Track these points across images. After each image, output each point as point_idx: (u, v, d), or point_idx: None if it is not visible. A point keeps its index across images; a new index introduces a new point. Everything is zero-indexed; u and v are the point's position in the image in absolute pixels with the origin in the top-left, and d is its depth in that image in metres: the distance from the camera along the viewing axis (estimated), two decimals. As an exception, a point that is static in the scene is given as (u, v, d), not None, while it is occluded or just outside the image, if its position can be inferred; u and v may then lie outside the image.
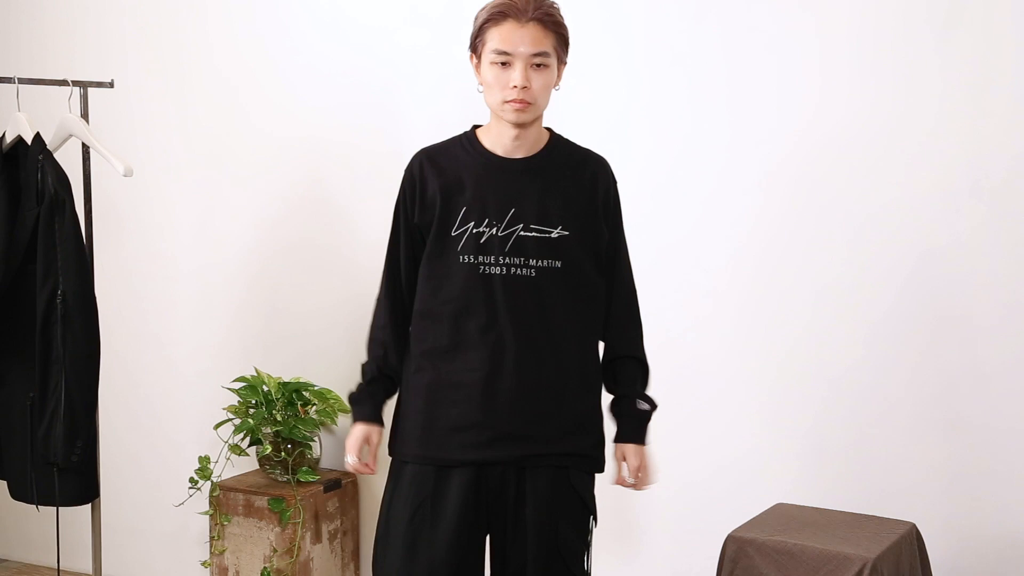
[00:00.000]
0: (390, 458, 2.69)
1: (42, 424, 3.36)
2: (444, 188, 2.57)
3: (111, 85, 3.63)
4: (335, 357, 4.04)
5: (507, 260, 2.53)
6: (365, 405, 2.67)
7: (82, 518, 3.79)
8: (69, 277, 3.34)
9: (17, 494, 3.51)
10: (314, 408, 3.90)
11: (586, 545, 2.61)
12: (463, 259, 2.54)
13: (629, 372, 2.70)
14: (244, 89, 4.14)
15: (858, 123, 3.27)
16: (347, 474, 4.01)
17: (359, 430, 2.66)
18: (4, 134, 3.44)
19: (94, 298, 3.46)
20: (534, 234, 2.53)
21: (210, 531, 3.93)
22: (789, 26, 3.35)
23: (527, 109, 2.49)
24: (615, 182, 2.65)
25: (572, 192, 2.58)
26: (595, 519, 2.65)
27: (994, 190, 3.13)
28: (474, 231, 2.54)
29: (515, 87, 2.47)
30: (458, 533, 2.52)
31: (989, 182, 3.14)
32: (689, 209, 3.50)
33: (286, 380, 3.96)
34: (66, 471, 3.37)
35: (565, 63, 2.57)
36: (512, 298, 2.52)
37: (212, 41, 4.19)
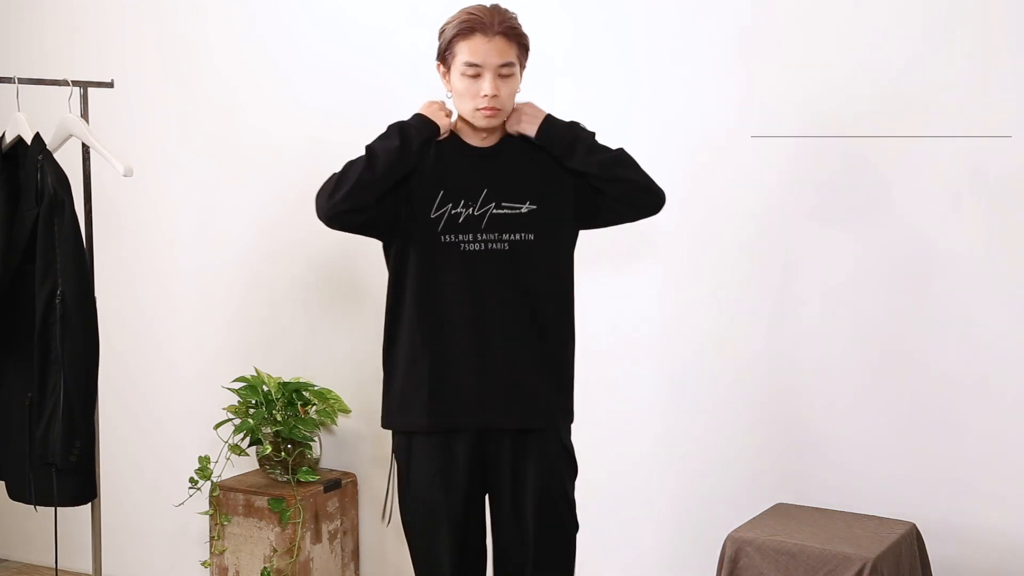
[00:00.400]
0: (389, 431, 2.87)
1: (40, 424, 3.36)
2: (419, 172, 2.79)
3: (111, 85, 3.62)
4: (335, 357, 4.04)
5: (489, 236, 2.76)
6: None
7: (82, 518, 3.79)
8: (68, 277, 3.34)
9: (15, 494, 3.50)
10: (314, 408, 3.91)
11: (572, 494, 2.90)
12: (445, 239, 2.75)
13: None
14: (244, 89, 4.14)
15: (858, 123, 3.26)
16: (347, 474, 4.01)
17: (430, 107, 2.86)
18: (4, 134, 3.44)
19: (93, 298, 3.45)
20: (505, 211, 2.76)
21: (210, 531, 3.93)
22: (789, 26, 3.34)
23: (497, 115, 2.74)
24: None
25: (539, 169, 2.81)
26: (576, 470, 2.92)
27: (994, 190, 3.13)
28: (452, 212, 2.76)
29: (486, 96, 2.70)
30: (468, 496, 2.80)
31: (989, 182, 3.13)
32: (690, 211, 3.49)
33: (286, 380, 3.96)
34: (64, 471, 3.37)
35: (524, 67, 2.80)
36: (509, 271, 2.76)
37: (212, 41, 4.19)
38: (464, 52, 2.70)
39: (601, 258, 3.59)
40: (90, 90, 3.56)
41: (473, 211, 2.75)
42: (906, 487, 3.26)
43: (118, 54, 4.30)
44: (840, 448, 3.34)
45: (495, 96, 2.69)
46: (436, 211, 2.76)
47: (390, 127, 2.82)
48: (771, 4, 3.36)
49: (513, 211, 2.76)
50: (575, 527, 2.89)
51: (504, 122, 2.80)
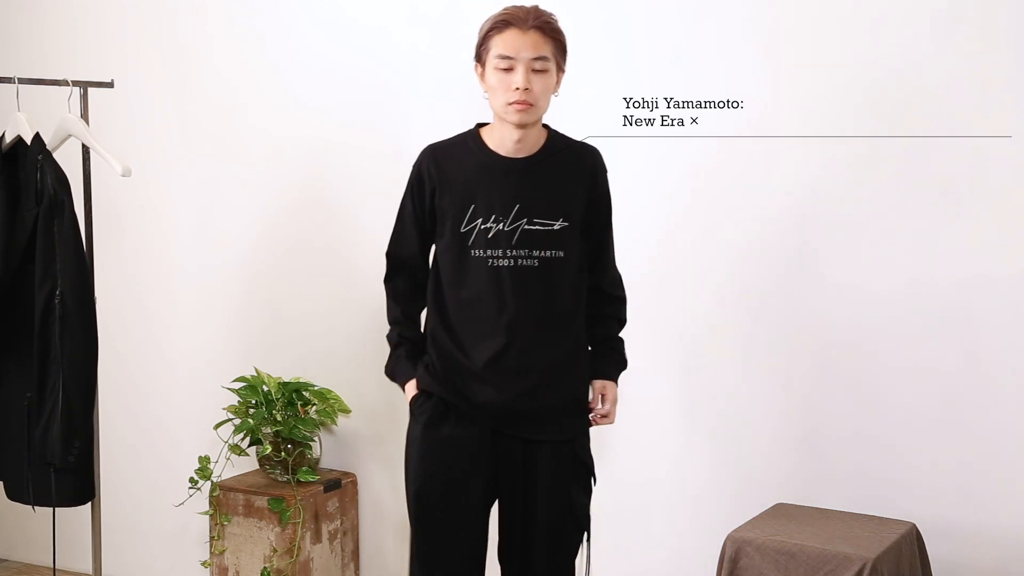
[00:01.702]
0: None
1: (39, 424, 3.36)
2: (450, 186, 2.81)
3: (111, 85, 3.63)
4: (335, 357, 4.04)
5: (519, 252, 2.76)
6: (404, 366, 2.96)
7: (82, 518, 3.79)
8: (67, 277, 3.34)
9: (13, 494, 3.50)
10: (314, 408, 3.90)
11: (589, 500, 2.92)
12: (474, 253, 2.77)
13: (612, 328, 2.98)
14: (244, 89, 4.14)
15: (858, 123, 3.26)
16: (347, 474, 4.01)
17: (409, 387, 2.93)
18: (4, 134, 3.44)
19: (93, 298, 3.45)
20: (537, 227, 2.76)
21: (210, 531, 3.93)
22: (789, 25, 3.34)
23: (529, 110, 2.71)
24: (605, 170, 2.90)
25: (571, 185, 2.83)
26: (595, 477, 2.93)
27: (994, 190, 3.13)
28: (482, 227, 2.76)
29: (517, 88, 2.68)
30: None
31: (989, 182, 3.13)
32: (691, 211, 3.49)
33: (286, 380, 3.96)
34: (63, 471, 3.37)
35: (563, 71, 2.79)
36: (534, 288, 2.78)
37: (212, 41, 4.19)
38: (498, 46, 2.70)
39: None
40: (90, 90, 3.56)
41: (504, 226, 2.76)
42: (906, 487, 3.26)
43: (118, 54, 4.30)
44: (840, 448, 3.34)
45: (527, 89, 2.68)
46: (467, 225, 2.78)
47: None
48: (770, 4, 3.36)
49: (545, 227, 2.77)
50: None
51: (540, 129, 2.81)
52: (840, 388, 3.33)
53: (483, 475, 2.83)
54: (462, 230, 2.78)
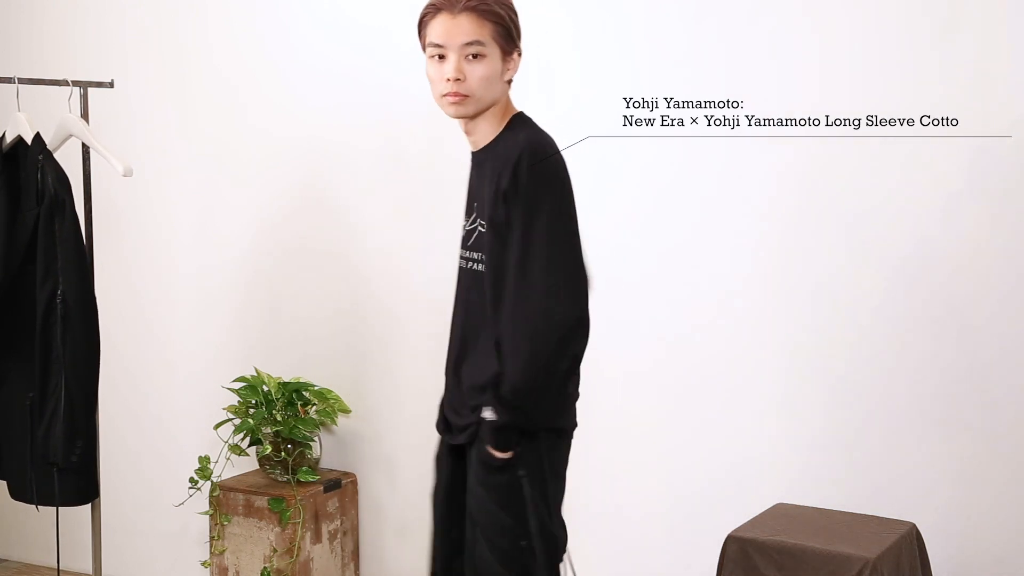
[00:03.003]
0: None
1: (42, 424, 3.36)
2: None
3: (111, 85, 3.63)
4: (335, 357, 4.04)
5: (474, 255, 2.55)
6: None
7: (82, 518, 3.79)
8: (69, 277, 3.34)
9: (17, 494, 3.51)
10: (314, 408, 3.91)
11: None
12: (460, 252, 2.62)
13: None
14: (244, 89, 4.14)
15: (859, 121, 3.26)
16: (347, 474, 4.01)
17: None
18: (4, 134, 3.44)
19: (94, 298, 3.45)
20: (480, 228, 2.52)
21: (210, 531, 3.93)
22: (790, 25, 3.34)
23: (464, 102, 2.46)
24: (528, 165, 2.42)
25: (493, 183, 2.49)
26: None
27: (994, 190, 3.13)
28: (464, 225, 2.60)
29: (448, 80, 2.44)
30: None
31: (989, 182, 3.13)
32: (691, 211, 3.49)
33: (286, 380, 3.96)
34: (66, 471, 3.37)
35: (515, 51, 2.51)
36: (466, 292, 2.57)
37: (212, 41, 4.19)
38: (430, 33, 2.47)
39: (601, 257, 3.60)
40: (90, 90, 3.56)
41: (467, 224, 2.58)
42: (906, 487, 3.26)
43: (118, 54, 4.30)
44: (840, 448, 3.34)
45: (459, 80, 2.43)
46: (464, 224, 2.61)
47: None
48: (769, 4, 3.36)
49: (481, 228, 2.52)
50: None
51: (495, 120, 2.51)
52: (840, 388, 3.33)
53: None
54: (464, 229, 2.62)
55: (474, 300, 2.54)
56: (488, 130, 2.54)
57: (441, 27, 2.45)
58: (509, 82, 2.54)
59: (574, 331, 2.43)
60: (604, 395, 3.61)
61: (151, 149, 4.26)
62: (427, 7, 2.49)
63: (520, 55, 2.54)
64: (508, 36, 2.48)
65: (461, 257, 2.59)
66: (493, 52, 2.46)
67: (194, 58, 4.22)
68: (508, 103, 2.56)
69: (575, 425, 2.61)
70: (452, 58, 2.44)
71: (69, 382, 3.34)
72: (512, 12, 2.50)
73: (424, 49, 2.53)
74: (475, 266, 2.53)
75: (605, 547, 3.65)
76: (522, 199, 2.42)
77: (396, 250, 3.91)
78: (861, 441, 3.31)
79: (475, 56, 2.44)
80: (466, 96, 2.45)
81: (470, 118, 2.51)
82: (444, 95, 2.47)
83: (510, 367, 2.43)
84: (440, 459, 2.73)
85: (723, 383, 3.48)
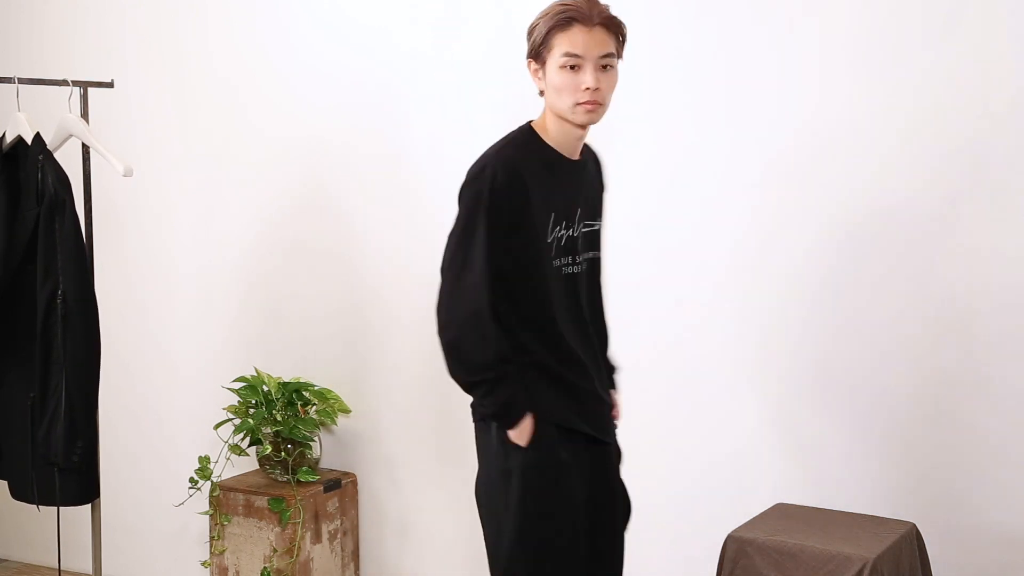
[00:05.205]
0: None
1: (43, 424, 3.36)
2: (536, 195, 2.59)
3: (111, 85, 3.63)
4: (335, 357, 4.05)
5: (581, 258, 2.70)
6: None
7: (82, 518, 3.79)
8: (69, 277, 3.34)
9: (18, 494, 3.51)
10: (314, 408, 3.91)
11: None
12: (554, 263, 2.64)
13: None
14: (244, 89, 4.14)
15: (858, 123, 3.26)
16: (347, 474, 4.01)
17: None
18: (4, 134, 3.44)
19: (94, 298, 3.45)
20: (586, 229, 2.72)
21: (210, 531, 3.93)
22: (789, 24, 3.34)
23: (597, 110, 2.60)
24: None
25: (598, 186, 2.82)
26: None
27: (994, 189, 3.13)
28: (559, 234, 2.64)
29: (587, 89, 2.55)
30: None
31: (989, 181, 3.13)
32: (688, 210, 3.49)
33: (286, 380, 3.96)
34: (67, 471, 3.37)
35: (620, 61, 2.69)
36: (583, 292, 2.74)
37: (212, 42, 4.19)
38: (563, 43, 2.55)
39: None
40: (90, 90, 3.56)
41: (573, 232, 2.68)
42: (906, 487, 3.26)
43: (118, 54, 4.31)
44: (840, 448, 3.34)
45: (597, 89, 2.55)
46: (551, 234, 2.62)
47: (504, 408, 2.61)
48: (768, 4, 3.36)
49: (590, 228, 2.74)
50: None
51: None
52: (840, 388, 3.34)
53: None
54: (548, 240, 2.62)
55: (582, 302, 2.72)
56: (585, 138, 2.70)
57: (578, 38, 2.55)
58: None
59: None
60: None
61: (151, 149, 4.26)
62: (559, 19, 2.56)
63: None
64: (623, 49, 2.65)
65: (562, 266, 2.65)
66: (617, 63, 2.62)
67: (194, 58, 4.22)
68: None
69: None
70: (589, 68, 2.55)
71: (69, 382, 3.34)
72: (625, 27, 2.66)
73: (540, 56, 2.59)
74: (582, 268, 2.70)
75: (605, 547, 3.65)
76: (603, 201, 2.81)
77: (396, 250, 3.91)
78: (861, 441, 3.31)
79: (607, 67, 2.58)
80: (600, 104, 2.59)
81: (588, 127, 2.65)
82: (581, 103, 2.57)
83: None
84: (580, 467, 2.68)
85: (722, 382, 3.48)
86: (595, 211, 2.76)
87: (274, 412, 3.82)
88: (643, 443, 3.60)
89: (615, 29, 2.59)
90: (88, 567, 4.24)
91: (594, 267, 2.78)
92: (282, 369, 4.05)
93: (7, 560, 4.69)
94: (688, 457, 3.54)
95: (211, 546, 3.92)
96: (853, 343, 3.31)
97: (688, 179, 3.49)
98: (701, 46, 3.46)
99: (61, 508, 3.45)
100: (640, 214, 3.54)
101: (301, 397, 3.90)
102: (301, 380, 3.96)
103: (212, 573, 3.94)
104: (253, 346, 4.18)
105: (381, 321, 3.98)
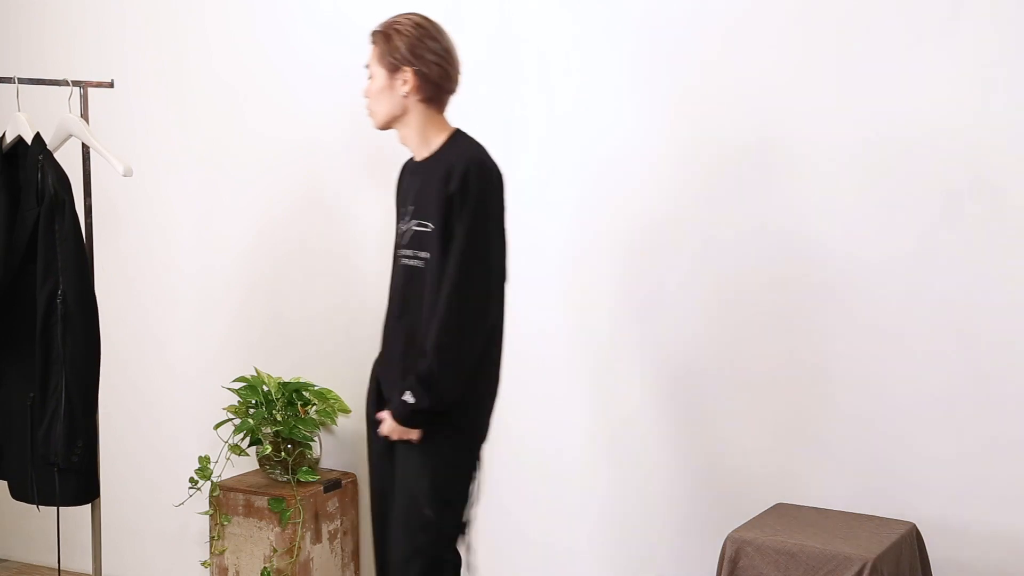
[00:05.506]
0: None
1: (42, 424, 3.36)
2: (399, 188, 3.08)
3: (111, 85, 3.62)
4: (335, 357, 4.04)
5: (412, 252, 2.87)
6: None
7: (82, 518, 3.79)
8: (69, 277, 3.34)
9: (18, 494, 3.51)
10: (314, 408, 3.91)
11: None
12: (396, 252, 2.97)
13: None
14: (244, 90, 4.14)
15: (858, 123, 3.26)
16: (347, 474, 4.01)
17: None
18: (4, 134, 3.44)
19: (94, 298, 3.45)
20: (418, 228, 2.85)
21: (210, 531, 3.93)
22: (786, 24, 3.34)
23: (369, 116, 2.97)
24: (473, 178, 2.76)
25: (437, 190, 2.81)
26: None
27: (994, 190, 3.13)
28: (400, 227, 2.95)
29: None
30: None
31: (989, 182, 3.13)
32: (687, 211, 3.49)
33: (286, 380, 3.96)
34: (66, 471, 3.37)
35: (402, 67, 2.86)
36: (410, 288, 2.89)
37: (212, 42, 4.19)
38: None
39: (602, 256, 3.60)
40: (90, 90, 3.56)
41: (403, 226, 2.92)
42: (906, 487, 3.26)
43: (118, 54, 4.30)
44: (840, 448, 3.34)
45: (366, 98, 2.94)
46: (397, 225, 3.00)
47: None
48: (767, 4, 3.36)
49: (422, 229, 2.84)
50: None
51: (422, 132, 2.91)
52: (840, 388, 3.33)
53: None
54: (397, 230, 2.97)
55: (414, 294, 2.86)
56: (422, 142, 2.91)
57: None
58: (424, 100, 2.87)
59: (496, 330, 2.85)
60: (603, 395, 3.61)
61: (151, 149, 4.26)
62: None
63: (417, 73, 2.85)
64: (393, 51, 2.86)
65: (399, 256, 2.92)
66: (377, 71, 2.90)
67: (194, 58, 4.22)
68: (435, 119, 2.90)
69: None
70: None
71: (69, 382, 3.34)
72: (399, 34, 2.87)
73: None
74: (417, 264, 2.85)
75: (605, 547, 3.65)
76: (468, 205, 2.75)
77: (396, 250, 3.91)
78: (861, 441, 3.31)
79: (369, 76, 2.94)
80: (370, 111, 2.95)
81: (398, 130, 2.93)
82: None
83: (434, 357, 2.77)
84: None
85: (722, 383, 3.48)
86: (426, 213, 2.82)
87: (274, 412, 3.82)
88: (643, 443, 3.61)
89: (373, 39, 2.92)
90: (88, 567, 4.24)
91: (432, 270, 2.80)
92: (282, 369, 4.05)
93: (7, 560, 4.69)
94: (688, 457, 3.54)
95: (211, 546, 3.92)
96: (852, 343, 3.31)
97: (687, 181, 3.49)
98: (700, 46, 3.46)
99: (61, 508, 3.45)
100: (638, 215, 3.53)
101: (301, 397, 3.90)
102: (301, 380, 3.96)
103: (212, 573, 3.94)
104: (253, 346, 4.18)
105: (380, 321, 3.97)
